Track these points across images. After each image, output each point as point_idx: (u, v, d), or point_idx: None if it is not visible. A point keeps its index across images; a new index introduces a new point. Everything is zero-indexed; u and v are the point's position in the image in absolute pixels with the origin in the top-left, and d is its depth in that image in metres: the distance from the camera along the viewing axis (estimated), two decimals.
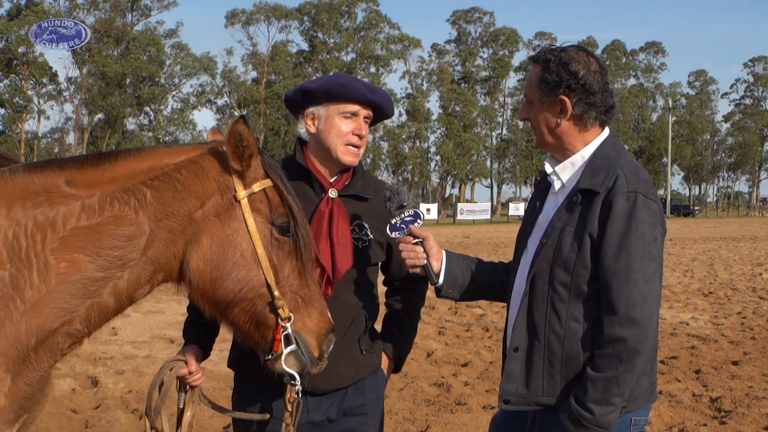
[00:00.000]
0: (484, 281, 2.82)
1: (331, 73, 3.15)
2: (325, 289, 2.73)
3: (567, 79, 2.48)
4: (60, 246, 2.06)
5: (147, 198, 2.17)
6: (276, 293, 2.26)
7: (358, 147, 2.83)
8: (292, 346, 2.33)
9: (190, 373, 2.64)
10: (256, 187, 2.30)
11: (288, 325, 2.30)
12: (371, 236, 2.88)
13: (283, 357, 2.33)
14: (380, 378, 2.98)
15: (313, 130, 2.85)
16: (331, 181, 2.87)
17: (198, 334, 2.75)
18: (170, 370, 2.59)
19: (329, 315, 2.42)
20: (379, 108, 2.87)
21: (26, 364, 2.07)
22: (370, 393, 2.91)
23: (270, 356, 2.35)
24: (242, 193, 2.26)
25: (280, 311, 2.28)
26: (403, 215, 2.69)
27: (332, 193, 2.83)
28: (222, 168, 2.27)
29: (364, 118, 2.85)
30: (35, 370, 2.10)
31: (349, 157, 2.82)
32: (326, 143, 2.81)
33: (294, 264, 2.34)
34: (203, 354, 2.74)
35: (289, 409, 2.58)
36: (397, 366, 3.11)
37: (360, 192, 2.89)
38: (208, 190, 2.24)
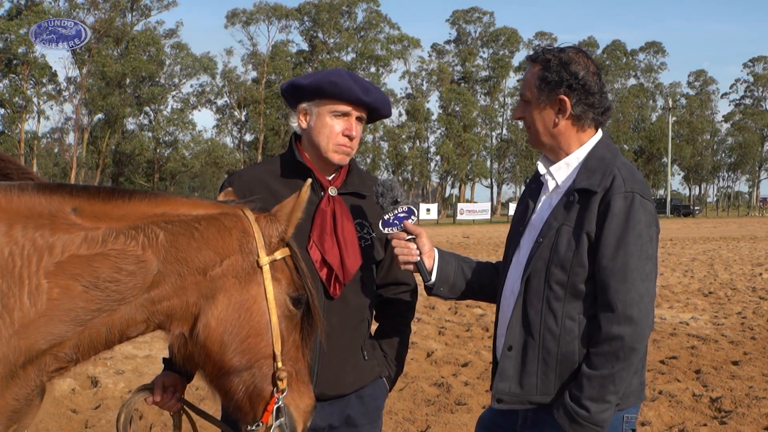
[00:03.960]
0: (474, 281, 2.81)
1: (329, 69, 3.05)
2: (333, 290, 2.69)
3: (568, 79, 2.50)
4: (55, 270, 2.00)
5: (159, 238, 2.10)
6: (279, 365, 2.21)
7: (348, 147, 2.77)
8: (282, 419, 2.27)
9: (156, 402, 2.52)
10: (278, 255, 2.24)
11: (281, 397, 2.25)
12: (374, 234, 2.83)
13: (272, 430, 2.26)
14: (380, 388, 2.91)
15: (304, 125, 2.81)
16: (329, 178, 2.82)
17: None
18: (135, 400, 2.53)
19: (312, 391, 2.38)
20: (374, 109, 2.81)
21: (14, 380, 2.04)
22: (371, 403, 2.86)
23: (254, 427, 2.26)
24: (265, 260, 2.19)
25: (279, 383, 2.23)
26: (396, 211, 2.66)
27: (332, 191, 2.78)
28: (245, 229, 2.20)
29: (357, 117, 2.78)
30: (23, 387, 2.07)
31: (338, 156, 2.76)
32: (316, 141, 2.77)
33: (295, 337, 2.29)
34: (185, 378, 2.59)
35: None
36: (389, 386, 3.01)
37: (358, 189, 2.85)
38: (229, 249, 2.17)
